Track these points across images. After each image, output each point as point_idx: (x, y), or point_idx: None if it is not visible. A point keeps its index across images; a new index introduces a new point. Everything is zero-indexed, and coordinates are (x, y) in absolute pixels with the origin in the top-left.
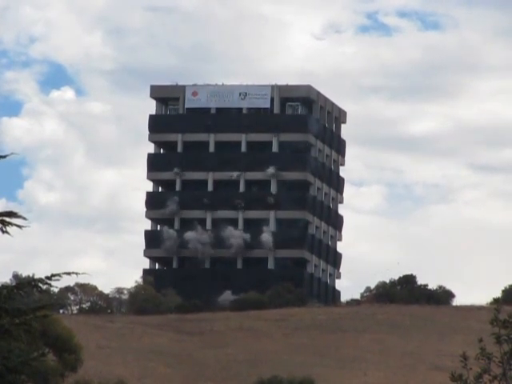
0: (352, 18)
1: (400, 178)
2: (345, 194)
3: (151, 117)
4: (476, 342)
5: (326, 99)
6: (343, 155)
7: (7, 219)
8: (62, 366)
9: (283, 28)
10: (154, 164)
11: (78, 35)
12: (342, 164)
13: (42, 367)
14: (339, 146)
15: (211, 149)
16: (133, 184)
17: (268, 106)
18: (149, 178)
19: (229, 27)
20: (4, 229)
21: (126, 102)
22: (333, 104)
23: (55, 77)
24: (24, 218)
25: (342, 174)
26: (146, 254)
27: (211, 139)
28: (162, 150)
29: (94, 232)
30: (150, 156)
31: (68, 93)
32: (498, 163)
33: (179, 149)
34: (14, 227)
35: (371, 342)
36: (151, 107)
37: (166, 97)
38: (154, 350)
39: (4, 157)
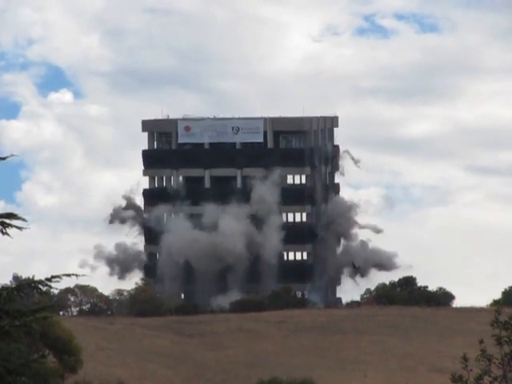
0: (350, 21)
1: (398, 180)
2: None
3: (144, 152)
4: (476, 344)
5: (318, 120)
6: (338, 168)
7: (7, 221)
8: (61, 367)
9: (281, 30)
10: (151, 199)
11: (76, 37)
12: (341, 172)
13: (41, 369)
14: (334, 154)
15: (207, 184)
16: (131, 185)
17: (261, 139)
18: (146, 211)
19: (227, 29)
20: (4, 230)
21: (124, 104)
22: (325, 119)
23: (53, 79)
24: (24, 220)
25: (339, 179)
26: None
27: (206, 175)
28: (156, 184)
29: (92, 234)
30: (145, 191)
31: (66, 95)
32: (497, 165)
33: (174, 184)
34: (14, 229)
35: (371, 343)
36: (143, 140)
37: (158, 132)
38: (153, 352)
39: (4, 158)
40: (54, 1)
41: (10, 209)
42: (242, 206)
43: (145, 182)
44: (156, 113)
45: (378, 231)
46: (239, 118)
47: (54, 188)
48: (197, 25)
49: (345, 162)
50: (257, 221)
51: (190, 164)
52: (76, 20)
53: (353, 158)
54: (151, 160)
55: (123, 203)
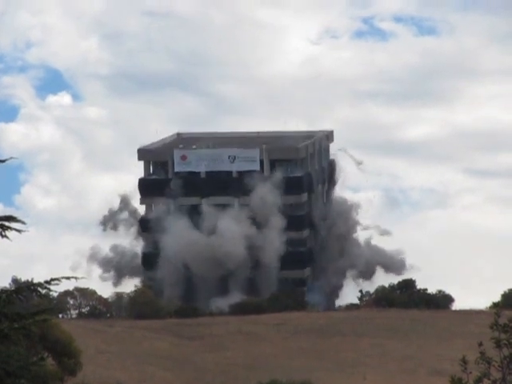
0: (348, 23)
1: (397, 183)
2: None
3: (140, 180)
4: (475, 346)
5: (313, 143)
6: (335, 184)
7: (6, 224)
8: (61, 370)
9: (280, 33)
10: (146, 227)
11: (75, 40)
12: (339, 180)
13: (41, 372)
14: (331, 170)
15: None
16: (130, 189)
17: (258, 168)
18: (143, 239)
19: (225, 32)
20: (3, 233)
21: (122, 107)
22: (321, 139)
23: (52, 82)
24: (23, 223)
25: (337, 191)
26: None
27: (204, 203)
28: (153, 208)
29: (91, 237)
30: (142, 220)
31: (65, 98)
32: (495, 168)
33: (171, 212)
34: (13, 232)
35: (370, 346)
36: (139, 168)
37: (154, 161)
38: (153, 354)
39: (3, 161)
40: (53, 4)
41: (8, 212)
42: (242, 208)
43: (141, 211)
44: (152, 136)
45: (384, 233)
46: (236, 139)
47: (52, 191)
48: (195, 28)
49: (340, 159)
50: (257, 222)
51: (186, 193)
52: (75, 23)
53: (354, 159)
54: (148, 189)
55: (120, 204)
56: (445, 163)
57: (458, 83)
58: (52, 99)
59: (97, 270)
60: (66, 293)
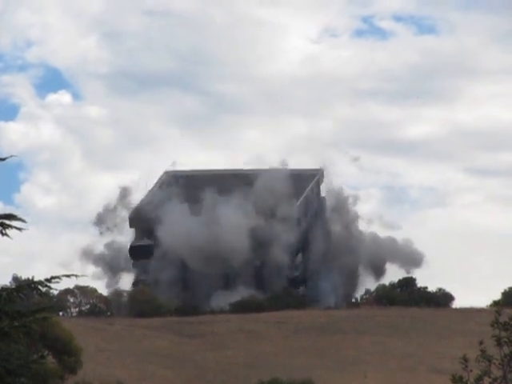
0: (348, 22)
1: (396, 182)
2: None
3: (132, 248)
4: (476, 345)
5: (306, 199)
6: (326, 225)
7: (7, 222)
8: (61, 368)
9: (279, 32)
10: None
11: (75, 39)
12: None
13: (41, 370)
14: (321, 209)
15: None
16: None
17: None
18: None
19: (225, 31)
20: (4, 231)
21: (122, 106)
22: (312, 188)
23: (52, 81)
24: (23, 221)
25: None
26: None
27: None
28: (145, 274)
29: (91, 235)
30: (135, 282)
31: (65, 97)
32: (495, 167)
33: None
34: (13, 230)
35: (371, 344)
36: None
37: (146, 228)
38: (153, 353)
39: (3, 159)
40: (53, 2)
41: (8, 210)
42: (247, 198)
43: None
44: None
45: (387, 225)
46: (222, 180)
47: (52, 190)
48: (195, 27)
49: (338, 156)
50: (263, 214)
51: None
52: (74, 21)
53: (350, 156)
54: (139, 254)
55: (119, 196)
56: (445, 162)
57: (458, 82)
58: (52, 98)
59: (90, 268)
60: (67, 291)
